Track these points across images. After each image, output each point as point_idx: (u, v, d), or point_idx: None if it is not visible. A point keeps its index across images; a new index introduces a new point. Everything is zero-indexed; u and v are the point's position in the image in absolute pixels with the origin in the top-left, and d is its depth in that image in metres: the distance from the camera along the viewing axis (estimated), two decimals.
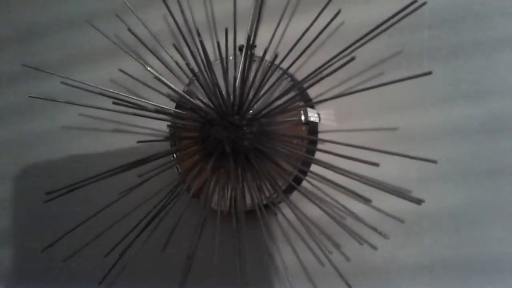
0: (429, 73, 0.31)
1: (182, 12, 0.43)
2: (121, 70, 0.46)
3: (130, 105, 0.40)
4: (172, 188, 0.43)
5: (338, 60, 0.35)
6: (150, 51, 0.45)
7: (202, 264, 0.41)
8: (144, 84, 0.46)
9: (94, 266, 0.47)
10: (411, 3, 0.32)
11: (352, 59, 0.31)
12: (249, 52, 0.36)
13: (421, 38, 0.40)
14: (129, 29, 0.45)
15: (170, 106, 0.43)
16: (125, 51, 0.46)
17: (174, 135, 0.45)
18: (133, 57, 0.45)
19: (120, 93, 0.42)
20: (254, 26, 0.38)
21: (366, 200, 0.34)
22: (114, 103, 0.37)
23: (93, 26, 0.47)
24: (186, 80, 0.45)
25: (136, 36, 0.45)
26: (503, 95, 0.38)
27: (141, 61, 0.44)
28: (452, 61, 0.39)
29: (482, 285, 0.37)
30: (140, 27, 0.46)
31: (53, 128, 0.53)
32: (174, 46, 0.39)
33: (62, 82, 0.44)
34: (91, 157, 0.51)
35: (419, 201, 0.33)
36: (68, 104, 0.45)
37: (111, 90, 0.42)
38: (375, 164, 0.31)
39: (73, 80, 0.44)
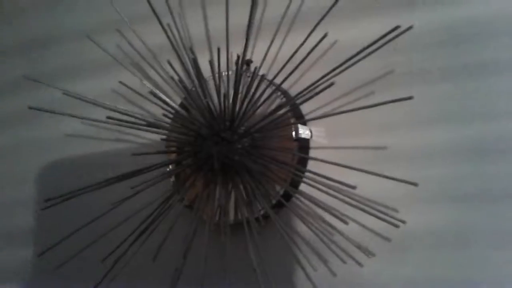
0: (411, 97, 0.31)
1: (177, 28, 0.45)
2: (121, 82, 0.48)
3: (124, 119, 0.41)
4: (165, 199, 0.44)
5: (331, 77, 0.36)
6: (149, 64, 0.46)
7: (191, 275, 0.42)
8: (141, 95, 0.48)
9: (89, 272, 0.49)
10: (394, 29, 0.32)
11: (332, 84, 0.31)
12: (240, 71, 0.37)
13: (411, 59, 0.40)
14: (130, 43, 0.47)
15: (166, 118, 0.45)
16: (123, 66, 0.47)
17: (167, 148, 0.46)
18: (130, 71, 0.46)
19: (117, 106, 0.43)
20: (248, 43, 0.40)
21: (344, 222, 0.34)
22: (108, 117, 0.39)
23: (93, 41, 0.49)
24: (181, 94, 0.46)
25: (136, 50, 0.47)
26: (487, 119, 0.38)
27: (138, 75, 0.45)
28: (438, 84, 0.39)
29: None
30: (138, 41, 0.48)
31: (53, 136, 0.55)
32: (169, 62, 0.40)
33: (64, 93, 0.46)
34: (90, 165, 0.52)
35: (397, 224, 0.33)
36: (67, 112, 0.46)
37: (107, 103, 0.44)
38: (353, 187, 0.32)
39: (73, 91, 0.45)
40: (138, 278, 0.48)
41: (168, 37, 0.41)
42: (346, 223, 0.35)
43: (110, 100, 0.47)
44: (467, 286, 0.37)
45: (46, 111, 0.44)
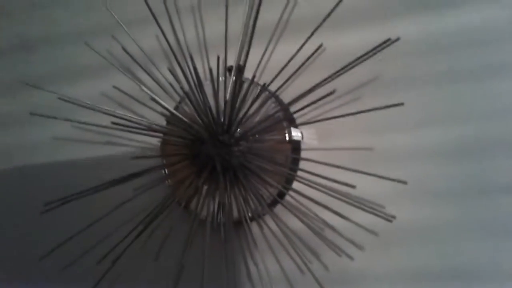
0: (401, 104, 0.34)
1: (175, 33, 0.46)
2: (115, 87, 0.49)
3: (126, 123, 0.43)
4: (163, 200, 0.46)
5: (323, 85, 0.39)
6: (144, 70, 0.47)
7: (192, 272, 0.44)
8: (137, 100, 0.49)
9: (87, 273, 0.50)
10: (385, 41, 0.35)
11: (332, 92, 0.34)
12: (237, 79, 0.39)
13: (396, 67, 0.43)
14: (124, 49, 0.48)
15: (162, 121, 0.47)
16: (120, 70, 0.48)
17: (165, 151, 0.48)
18: (128, 76, 0.48)
19: (116, 110, 0.45)
20: (244, 51, 0.42)
21: (343, 217, 0.37)
22: (112, 123, 0.40)
23: (89, 46, 0.50)
24: (177, 98, 0.48)
25: (131, 56, 0.48)
26: (470, 122, 0.42)
27: (136, 82, 0.47)
28: (424, 89, 0.43)
29: None
30: (134, 45, 0.49)
31: (45, 139, 0.55)
32: (169, 70, 0.42)
33: (59, 98, 0.47)
34: (84, 168, 0.53)
35: (389, 219, 0.37)
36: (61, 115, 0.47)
37: (103, 107, 0.45)
38: (352, 186, 0.35)
39: (64, 94, 0.47)
40: (137, 280, 0.50)
41: (168, 42, 0.43)
42: (346, 218, 0.38)
43: (100, 104, 0.48)
44: (450, 276, 0.41)
45: (48, 116, 0.45)
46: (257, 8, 0.39)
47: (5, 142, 0.56)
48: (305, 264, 0.43)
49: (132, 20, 0.49)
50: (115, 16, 0.47)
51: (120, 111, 0.45)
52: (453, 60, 0.43)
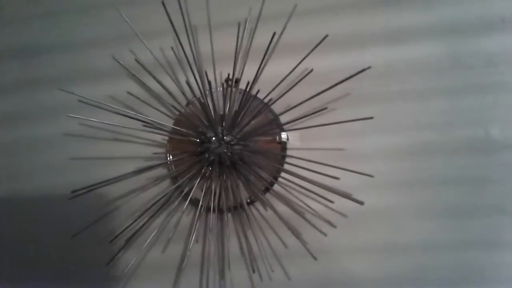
0: (371, 117, 0.46)
1: (190, 44, 0.53)
2: (129, 93, 0.57)
3: (144, 123, 0.52)
4: (170, 191, 0.55)
5: (309, 100, 0.50)
6: (154, 78, 0.56)
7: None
8: (145, 103, 0.57)
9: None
10: (363, 70, 0.47)
11: (325, 108, 0.46)
12: (233, 87, 0.49)
13: (363, 86, 0.55)
14: (137, 60, 0.57)
15: (167, 121, 0.55)
16: (134, 75, 0.56)
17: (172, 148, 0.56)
18: (143, 82, 0.56)
19: (132, 110, 0.53)
20: (242, 66, 0.52)
21: (329, 201, 0.50)
22: (143, 125, 0.50)
23: (106, 53, 0.57)
24: (183, 102, 0.56)
25: (142, 66, 0.56)
26: (420, 130, 0.54)
27: (144, 85, 0.55)
28: (383, 103, 0.54)
29: (405, 260, 0.53)
30: (143, 52, 0.57)
31: (55, 135, 0.60)
32: (187, 83, 0.51)
33: (79, 100, 0.54)
34: (92, 163, 0.59)
35: (361, 202, 0.48)
36: (67, 113, 0.55)
37: (121, 109, 0.54)
38: (336, 178, 0.46)
39: (72, 93, 0.55)
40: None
41: (184, 52, 0.53)
42: (332, 202, 0.51)
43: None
44: (404, 249, 0.53)
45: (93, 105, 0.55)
46: (252, 33, 0.49)
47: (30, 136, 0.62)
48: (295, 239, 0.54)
49: (145, 32, 0.56)
50: (132, 26, 0.55)
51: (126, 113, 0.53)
52: (405, 83, 0.54)
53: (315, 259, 0.52)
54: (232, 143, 0.52)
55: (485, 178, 0.53)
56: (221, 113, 0.53)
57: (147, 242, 0.55)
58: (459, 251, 0.53)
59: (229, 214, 0.55)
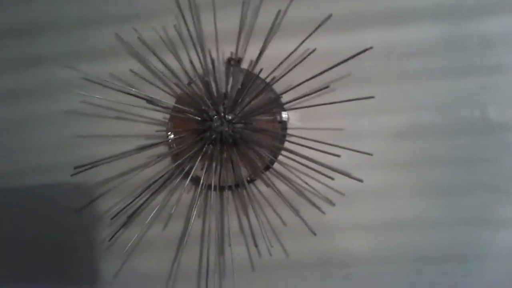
0: (372, 97, 0.47)
1: (194, 24, 0.55)
2: (131, 71, 0.57)
3: (147, 100, 0.52)
4: (171, 169, 0.56)
5: (310, 79, 0.51)
6: (158, 58, 0.56)
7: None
8: (147, 81, 0.57)
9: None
10: (365, 50, 0.47)
11: (327, 87, 0.46)
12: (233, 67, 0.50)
13: (364, 67, 0.56)
14: (140, 38, 0.57)
15: (169, 100, 0.56)
16: (137, 53, 0.56)
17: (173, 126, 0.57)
18: (146, 61, 0.57)
19: (133, 88, 0.54)
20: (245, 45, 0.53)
21: (330, 178, 0.51)
22: (147, 101, 0.50)
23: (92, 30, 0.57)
24: (185, 81, 0.57)
25: (145, 44, 0.56)
26: (418, 111, 0.55)
27: (149, 64, 0.56)
28: (382, 84, 0.55)
29: (402, 237, 0.55)
30: (146, 31, 0.57)
31: (55, 113, 0.60)
32: (190, 61, 0.52)
33: (84, 78, 0.55)
34: (94, 141, 0.59)
35: (360, 180, 0.49)
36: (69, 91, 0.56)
37: (127, 87, 0.54)
38: (337, 155, 0.47)
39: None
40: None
41: (188, 30, 0.53)
42: (333, 179, 0.52)
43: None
44: (400, 225, 0.55)
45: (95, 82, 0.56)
46: (256, 12, 0.49)
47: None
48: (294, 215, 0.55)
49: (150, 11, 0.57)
50: (135, 4, 0.55)
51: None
52: (404, 65, 0.55)
53: (315, 234, 0.54)
54: (234, 121, 0.53)
55: (481, 157, 0.54)
56: (224, 91, 0.54)
57: (148, 219, 0.56)
58: (455, 229, 0.54)
59: (230, 192, 0.56)
